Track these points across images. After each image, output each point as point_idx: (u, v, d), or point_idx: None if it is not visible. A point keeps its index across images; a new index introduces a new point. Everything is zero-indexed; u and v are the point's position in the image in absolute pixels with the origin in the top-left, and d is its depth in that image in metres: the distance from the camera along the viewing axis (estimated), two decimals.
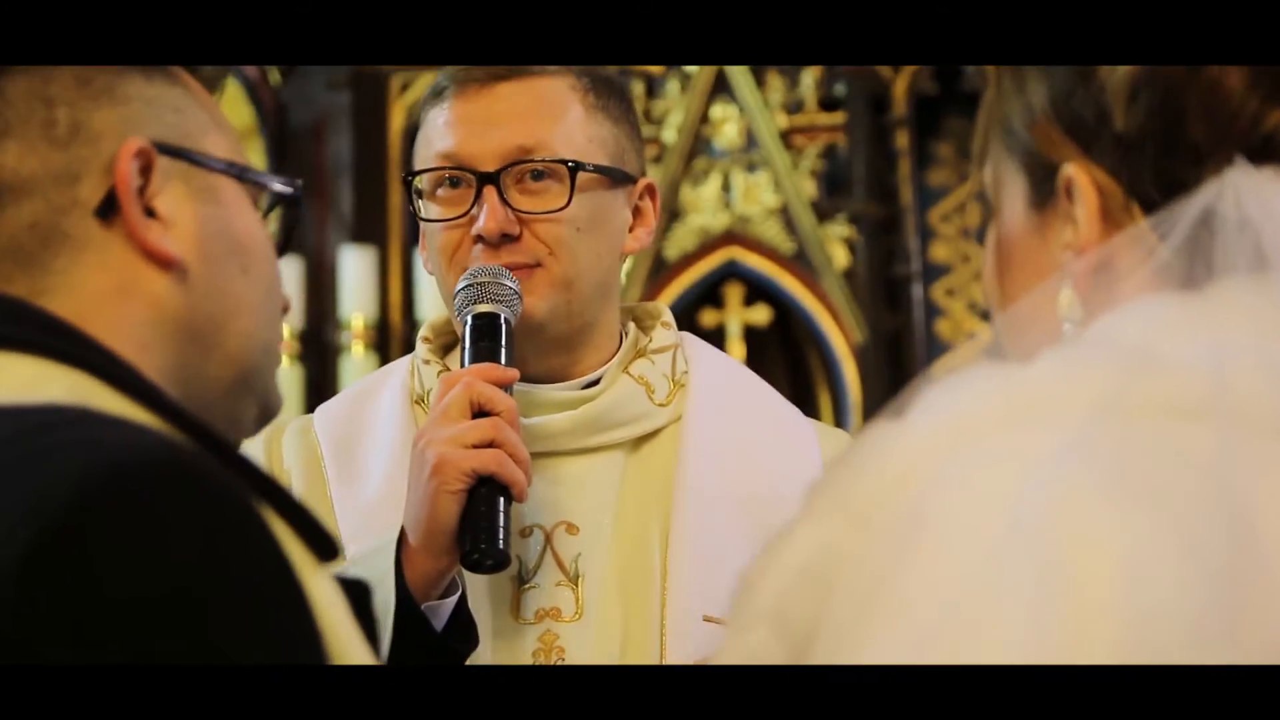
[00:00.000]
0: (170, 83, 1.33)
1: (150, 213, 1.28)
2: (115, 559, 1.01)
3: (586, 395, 2.07)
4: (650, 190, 2.14)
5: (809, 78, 6.27)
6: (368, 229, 6.30)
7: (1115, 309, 1.16)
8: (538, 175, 2.02)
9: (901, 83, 6.29)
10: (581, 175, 2.03)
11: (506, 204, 2.00)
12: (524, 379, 2.02)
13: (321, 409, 2.18)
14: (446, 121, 2.04)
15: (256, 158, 6.28)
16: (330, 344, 6.18)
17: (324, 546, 1.20)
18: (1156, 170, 1.19)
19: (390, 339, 6.13)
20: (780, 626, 1.09)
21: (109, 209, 1.26)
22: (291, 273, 6.13)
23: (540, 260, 2.01)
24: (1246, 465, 1.02)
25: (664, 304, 2.27)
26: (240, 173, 1.35)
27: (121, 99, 1.29)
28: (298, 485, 2.06)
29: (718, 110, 6.21)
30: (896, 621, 1.00)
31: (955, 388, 1.11)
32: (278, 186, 1.39)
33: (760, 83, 6.22)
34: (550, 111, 2.04)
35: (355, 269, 6.18)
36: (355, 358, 6.05)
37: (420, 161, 2.07)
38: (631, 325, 2.18)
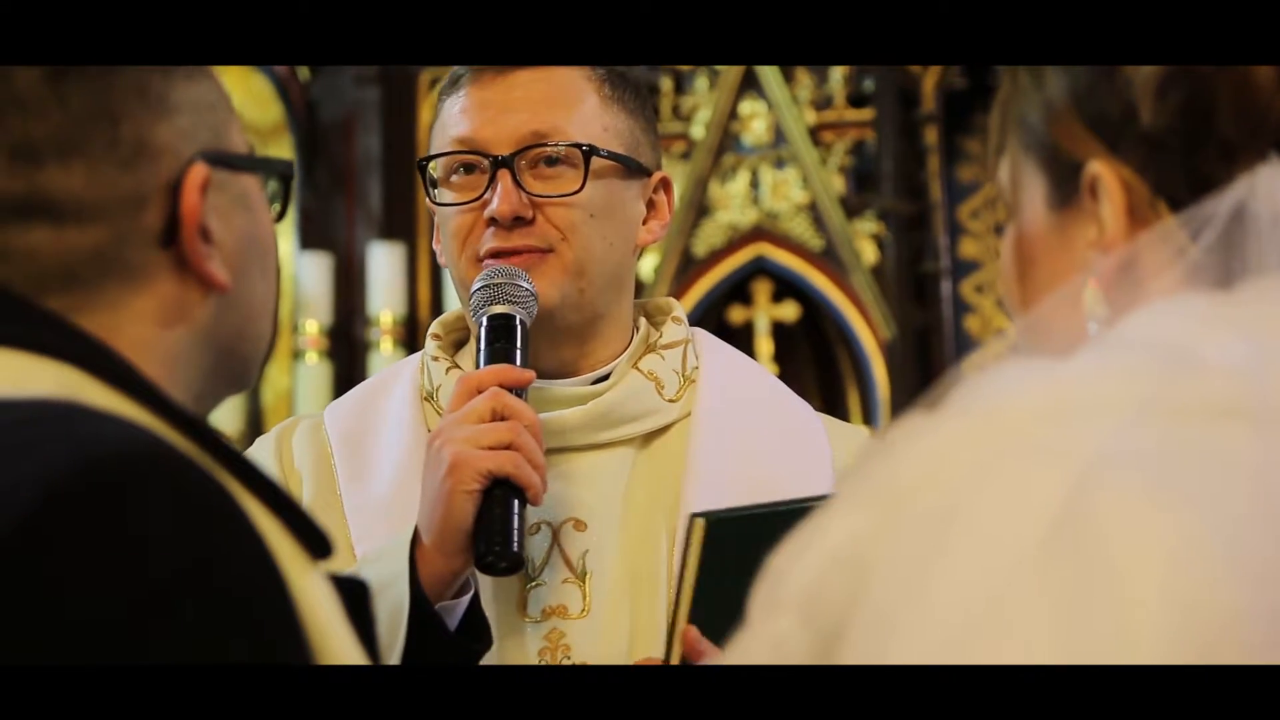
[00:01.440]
0: (201, 75, 1.29)
1: (205, 235, 1.25)
2: (82, 554, 1.00)
3: (596, 390, 2.06)
4: (665, 184, 2.13)
5: (838, 74, 6.25)
6: (397, 225, 6.31)
7: (1145, 307, 1.15)
8: (551, 161, 2.02)
9: (930, 78, 6.27)
10: (596, 161, 2.02)
11: (520, 187, 1.99)
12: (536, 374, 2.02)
13: (331, 407, 2.17)
14: (462, 108, 2.04)
15: (285, 154, 6.29)
16: (359, 340, 6.19)
17: (317, 544, 1.19)
18: (1185, 167, 1.18)
19: (419, 335, 6.13)
20: (808, 615, 1.08)
21: (171, 236, 1.23)
22: (321, 269, 6.14)
23: (553, 245, 2.01)
24: None
25: (675, 299, 2.26)
26: (256, 165, 1.32)
27: (174, 108, 1.25)
28: (308, 485, 2.05)
29: (746, 106, 6.20)
30: (934, 612, 1.00)
31: (992, 382, 1.11)
32: (280, 169, 1.36)
33: (789, 79, 6.21)
34: (566, 98, 2.04)
35: (384, 265, 6.19)
36: (384, 354, 6.06)
37: (435, 148, 2.08)
38: (643, 320, 2.17)
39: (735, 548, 1.79)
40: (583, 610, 1.98)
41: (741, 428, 2.10)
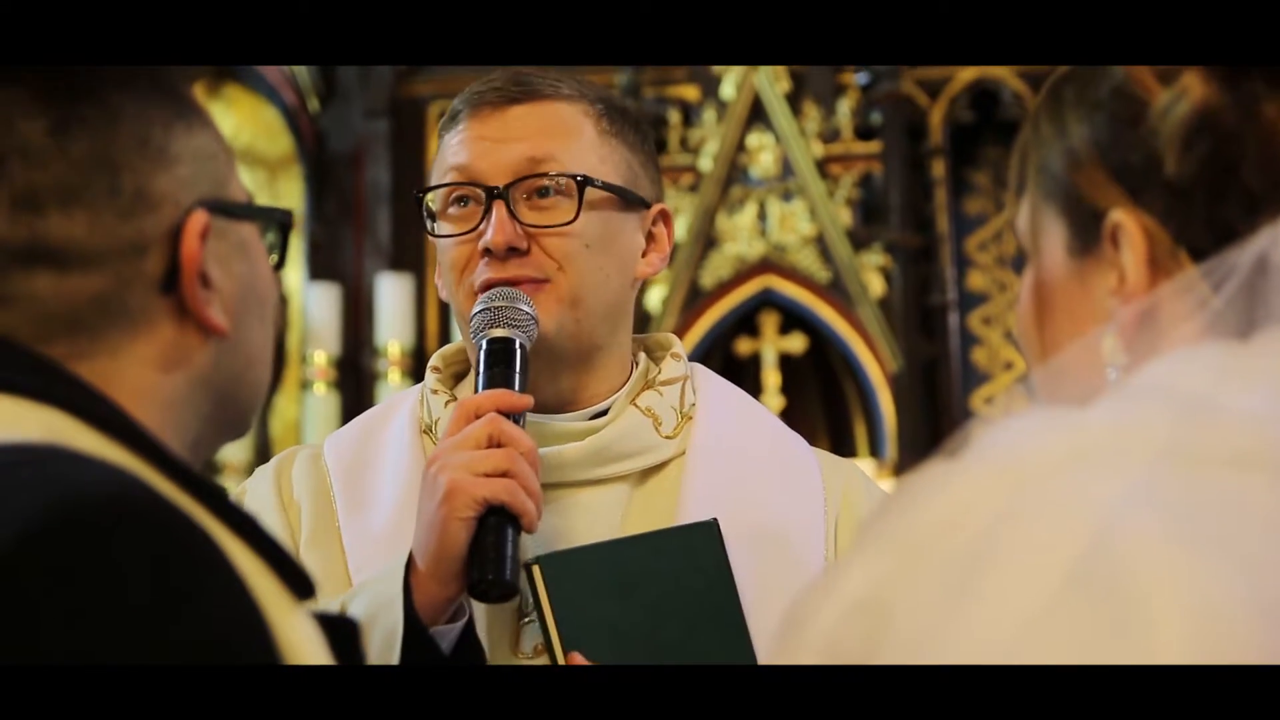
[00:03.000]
0: (202, 127, 1.31)
1: (205, 281, 1.26)
2: (55, 596, 1.00)
3: (593, 426, 2.06)
4: (665, 216, 2.13)
5: (845, 106, 6.27)
6: (405, 256, 6.33)
7: (1165, 356, 1.15)
8: (546, 191, 2.02)
9: (938, 111, 6.29)
10: (591, 192, 2.02)
11: (514, 218, 2.00)
12: (536, 411, 2.02)
13: (331, 438, 2.17)
14: (460, 141, 2.05)
15: (294, 185, 6.31)
16: (367, 371, 6.20)
17: (300, 585, 1.19)
18: (1208, 217, 1.17)
19: (426, 366, 6.14)
20: (829, 659, 1.08)
21: (171, 283, 1.25)
22: (329, 300, 6.16)
23: (549, 275, 2.01)
24: None
25: (675, 335, 2.24)
26: (255, 213, 1.34)
27: (174, 158, 1.27)
28: (307, 515, 2.06)
29: (754, 139, 6.22)
30: (959, 657, 1.00)
31: (1012, 430, 1.11)
32: (278, 217, 1.37)
33: (796, 111, 6.23)
34: (562, 129, 2.04)
35: (392, 296, 6.21)
36: (391, 384, 6.07)
37: (433, 181, 2.08)
38: (643, 355, 2.18)
39: (575, 579, 1.87)
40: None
41: (736, 466, 2.10)
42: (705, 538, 1.93)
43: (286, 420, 6.20)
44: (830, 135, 6.26)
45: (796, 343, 6.22)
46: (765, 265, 6.16)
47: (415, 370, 6.10)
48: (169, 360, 1.25)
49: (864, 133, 6.28)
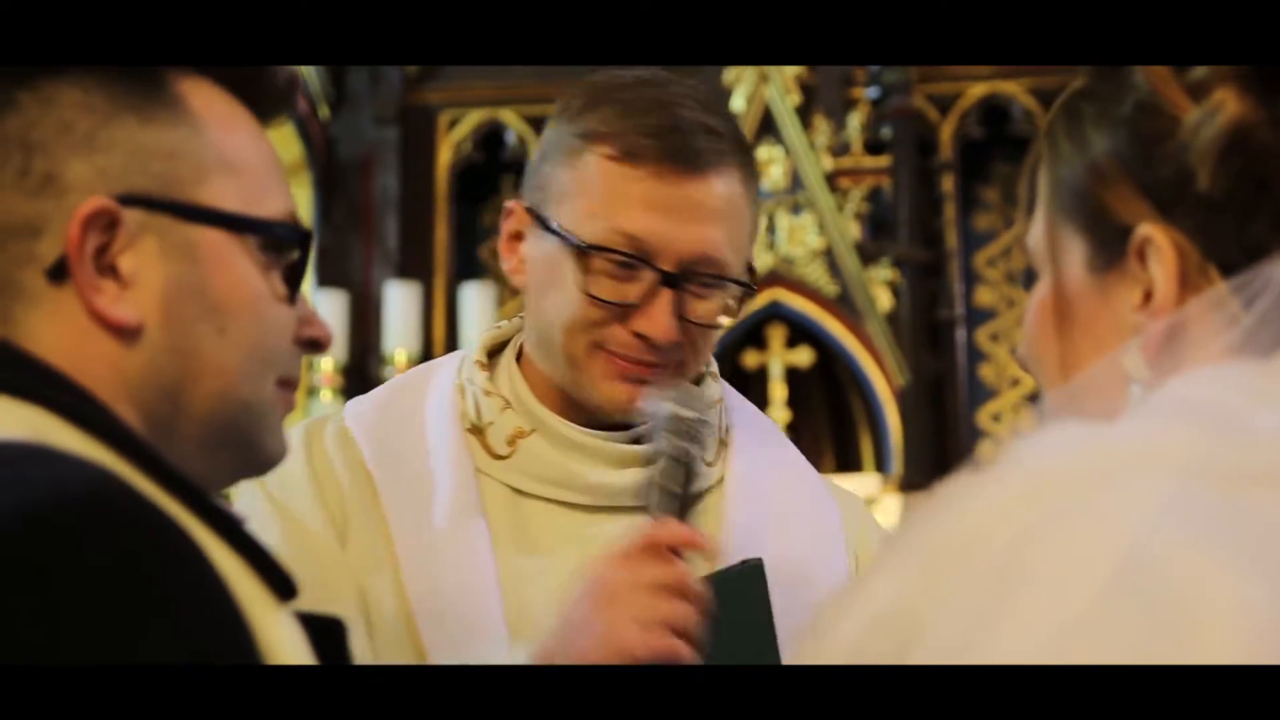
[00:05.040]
0: (172, 124, 1.28)
1: (112, 271, 1.23)
2: (28, 596, 0.99)
3: (644, 452, 2.00)
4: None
5: (855, 120, 6.27)
6: (413, 264, 6.33)
7: (1191, 373, 1.15)
8: (708, 282, 1.96)
9: (948, 127, 6.29)
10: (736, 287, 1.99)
11: (678, 310, 1.94)
12: (577, 422, 2.00)
13: (355, 416, 2.08)
14: (635, 198, 1.95)
15: (304, 192, 6.31)
16: (373, 378, 6.19)
17: (282, 586, 1.18)
18: (1239, 234, 1.17)
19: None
20: None
21: (61, 270, 1.23)
22: (336, 306, 6.16)
23: (683, 360, 1.98)
24: None
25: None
26: (229, 223, 1.29)
27: (103, 146, 1.24)
28: (351, 502, 2.00)
29: (763, 151, 6.22)
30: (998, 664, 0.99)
31: (1042, 443, 1.10)
32: (280, 230, 1.33)
33: (806, 124, 6.23)
34: (732, 217, 1.97)
35: (400, 304, 6.21)
36: None
37: (589, 225, 1.96)
38: None
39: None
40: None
41: (770, 498, 2.07)
42: (754, 577, 1.91)
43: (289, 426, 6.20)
44: (840, 149, 6.27)
45: (803, 356, 6.22)
46: (773, 278, 6.15)
47: None
48: (81, 350, 1.22)
49: (874, 147, 6.28)
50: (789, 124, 6.20)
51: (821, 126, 6.26)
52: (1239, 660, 0.94)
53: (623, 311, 1.94)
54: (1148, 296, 1.19)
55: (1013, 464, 1.10)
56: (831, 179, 6.21)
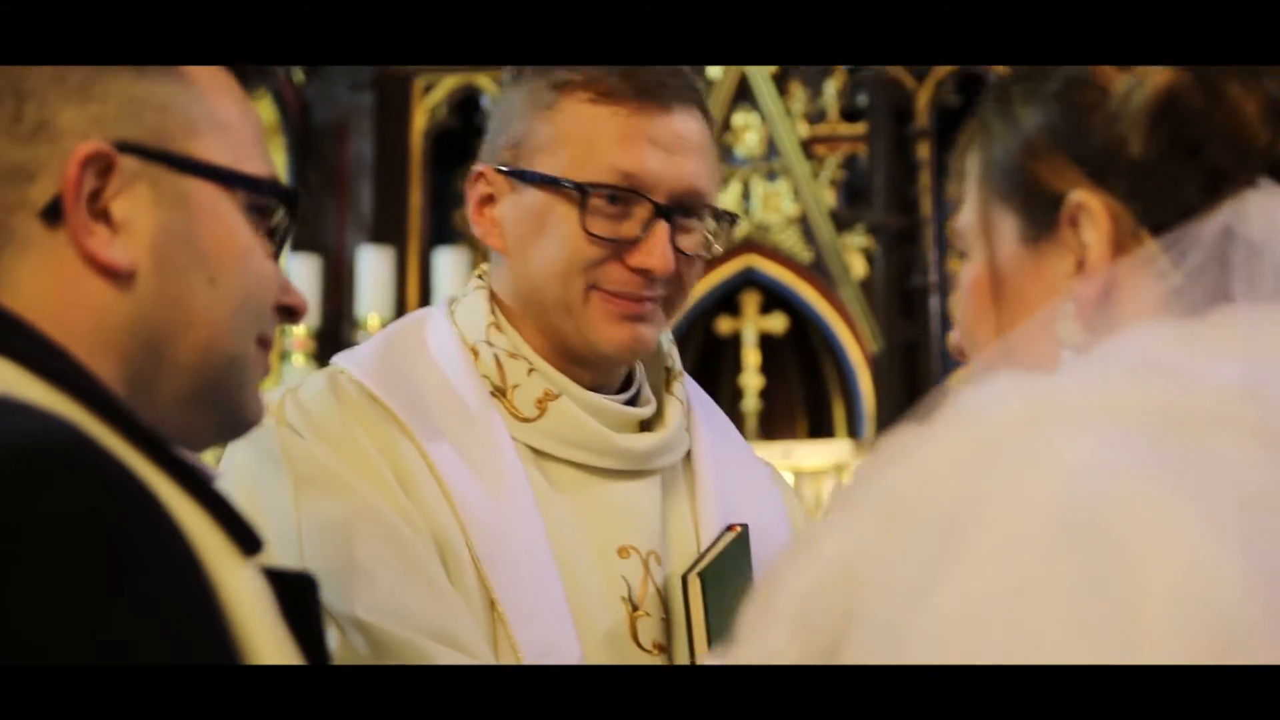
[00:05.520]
0: (164, 79, 1.28)
1: (105, 216, 1.24)
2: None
3: (647, 414, 2.06)
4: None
5: (831, 87, 6.27)
6: (387, 229, 6.32)
7: (1128, 331, 1.16)
8: (692, 214, 2.00)
9: (924, 94, 6.29)
10: (713, 217, 2.04)
11: (673, 242, 1.97)
12: (584, 384, 2.01)
13: (369, 374, 2.03)
14: (626, 135, 1.98)
15: (278, 156, 6.29)
16: (347, 343, 6.16)
17: (247, 540, 1.18)
18: (1171, 197, 1.18)
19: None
20: (802, 628, 1.08)
21: (55, 212, 1.23)
22: (309, 271, 6.14)
23: (671, 293, 2.01)
24: None
25: None
26: (221, 177, 1.30)
27: (97, 96, 1.25)
28: (407, 463, 1.98)
29: (739, 118, 6.21)
30: (942, 618, 1.00)
31: (982, 394, 1.11)
32: (267, 189, 1.33)
33: (783, 91, 6.22)
34: (706, 151, 2.02)
35: (373, 269, 6.19)
36: None
37: (589, 167, 1.98)
38: None
39: (716, 589, 1.87)
40: (672, 651, 1.97)
41: (729, 468, 2.11)
42: (744, 542, 1.97)
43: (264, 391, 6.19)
44: (816, 116, 6.26)
45: (777, 322, 6.23)
46: (748, 244, 6.16)
47: None
48: (68, 296, 1.22)
49: (850, 114, 6.28)
50: (765, 91, 6.19)
51: (798, 93, 6.25)
52: (1175, 600, 0.95)
53: (620, 248, 1.96)
54: (1081, 264, 1.21)
55: (956, 415, 1.11)
56: (807, 146, 6.21)
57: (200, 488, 1.16)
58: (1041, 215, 1.23)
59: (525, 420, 2.01)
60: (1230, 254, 1.15)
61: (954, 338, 1.34)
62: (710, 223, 2.01)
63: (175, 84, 1.29)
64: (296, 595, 1.21)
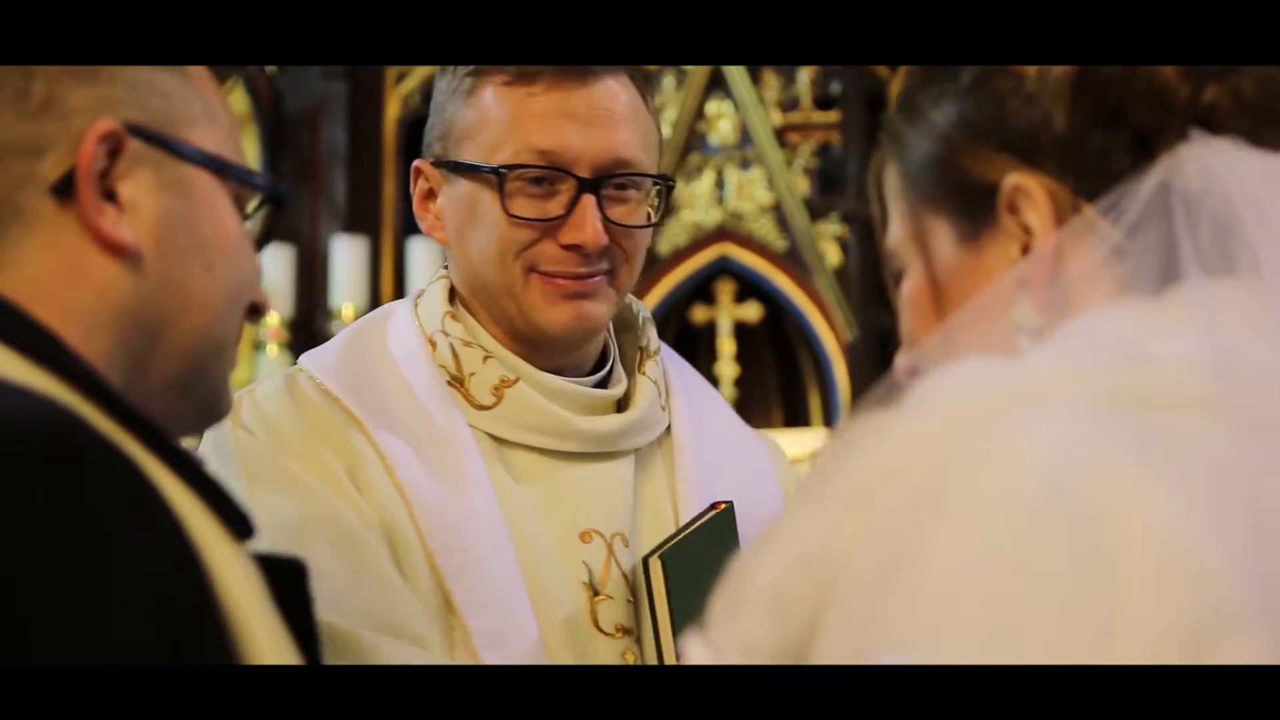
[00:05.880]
0: (166, 68, 1.30)
1: (111, 196, 1.24)
2: None
3: (613, 397, 2.05)
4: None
5: (805, 75, 6.27)
6: (360, 219, 6.30)
7: (1089, 313, 1.16)
8: (625, 186, 1.99)
9: (898, 82, 6.28)
10: (652, 185, 2.02)
11: (602, 213, 1.96)
12: (544, 368, 2.00)
13: (328, 373, 2.02)
14: (538, 113, 1.96)
15: (250, 145, 6.27)
16: (320, 333, 6.17)
17: (239, 524, 1.17)
18: (1104, 167, 1.18)
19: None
20: (776, 613, 1.08)
21: (66, 188, 1.23)
22: (283, 261, 6.13)
23: (615, 269, 1.99)
24: (1256, 456, 1.03)
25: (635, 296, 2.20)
26: (219, 167, 1.31)
27: (105, 78, 1.25)
28: (353, 451, 1.97)
29: (713, 106, 6.21)
30: (918, 601, 1.00)
31: (949, 378, 1.11)
32: (260, 183, 1.35)
33: (756, 80, 6.22)
34: (634, 115, 2.00)
35: (347, 258, 6.18)
36: None
37: (499, 151, 1.97)
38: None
39: (685, 570, 1.86)
40: (639, 633, 1.97)
41: (713, 445, 2.10)
42: (729, 518, 1.96)
43: (239, 381, 6.12)
44: (789, 104, 6.26)
45: (752, 311, 6.23)
46: (722, 233, 6.16)
47: None
48: (71, 273, 1.22)
49: (823, 102, 6.28)
50: (738, 79, 6.19)
51: (771, 81, 6.25)
52: (1157, 576, 0.96)
53: (549, 226, 1.95)
54: (1025, 248, 1.21)
55: (921, 400, 1.11)
56: (781, 134, 6.21)
57: (192, 471, 1.16)
58: (977, 209, 1.23)
59: (483, 408, 2.00)
60: (1171, 207, 1.15)
61: (902, 361, 1.33)
62: (649, 191, 1.99)
63: (175, 74, 1.30)
64: (287, 581, 1.21)
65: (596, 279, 1.97)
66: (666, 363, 2.13)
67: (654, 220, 2.02)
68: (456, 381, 2.01)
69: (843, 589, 1.05)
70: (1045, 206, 1.19)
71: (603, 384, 2.06)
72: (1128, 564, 0.96)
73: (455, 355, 2.02)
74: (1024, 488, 1.00)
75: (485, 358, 2.01)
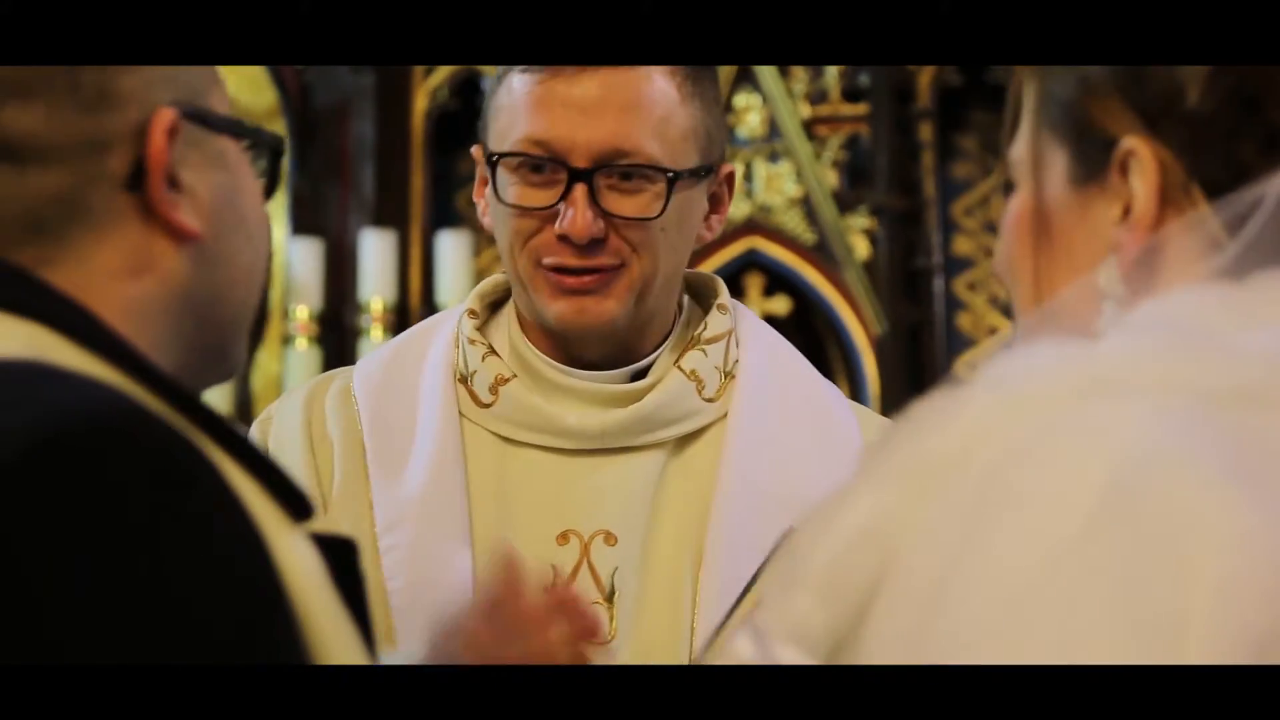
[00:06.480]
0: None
1: (173, 183, 1.23)
2: (49, 525, 0.98)
3: (636, 390, 2.00)
4: (730, 177, 2.06)
5: (833, 69, 6.24)
6: (389, 212, 6.29)
7: (1170, 293, 1.14)
8: (629, 175, 1.94)
9: (926, 75, 6.26)
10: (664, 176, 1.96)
11: (595, 204, 1.92)
12: (574, 365, 1.98)
13: (362, 370, 2.08)
14: (538, 100, 1.94)
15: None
16: (349, 326, 6.17)
17: (298, 505, 1.17)
18: (1226, 154, 1.16)
19: (409, 322, 6.09)
20: (829, 593, 1.06)
21: (137, 181, 1.21)
22: (312, 255, 6.13)
23: (624, 261, 1.95)
24: None
25: (720, 280, 2.16)
26: (241, 130, 1.30)
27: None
28: (339, 462, 1.99)
29: (741, 99, 6.19)
30: (977, 588, 0.98)
31: (1022, 360, 1.10)
32: (267, 138, 1.34)
33: (784, 72, 6.20)
34: (648, 103, 1.94)
35: (375, 252, 6.17)
36: (374, 340, 6.04)
37: (505, 139, 1.96)
38: (686, 300, 2.10)
39: None
40: (609, 635, 1.93)
41: (777, 431, 2.03)
42: None
43: (268, 375, 6.18)
44: (817, 97, 6.24)
45: (781, 304, 6.21)
46: (750, 226, 6.14)
47: (398, 326, 6.06)
48: (138, 266, 1.22)
49: (851, 95, 6.25)
50: (766, 72, 6.17)
51: (799, 74, 6.23)
52: (1229, 588, 0.94)
53: (547, 217, 1.93)
54: (1127, 211, 1.19)
55: (991, 383, 1.09)
56: (809, 127, 6.19)
57: (249, 453, 1.15)
58: (1092, 158, 1.21)
59: (485, 406, 1.99)
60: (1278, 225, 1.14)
61: (995, 264, 1.32)
62: (662, 181, 1.94)
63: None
64: (341, 559, 1.21)
65: (600, 274, 1.93)
66: (746, 344, 2.07)
67: (664, 212, 1.95)
68: (464, 379, 2.00)
69: (899, 574, 1.03)
70: (1154, 177, 1.18)
71: (643, 374, 2.03)
72: (1198, 573, 0.94)
73: (464, 353, 2.01)
74: (1093, 485, 0.98)
75: (486, 355, 2.00)
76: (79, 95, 1.20)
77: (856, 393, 6.12)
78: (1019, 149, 1.29)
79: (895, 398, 5.92)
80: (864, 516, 1.06)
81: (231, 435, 1.16)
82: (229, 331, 1.31)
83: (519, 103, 1.95)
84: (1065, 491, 0.98)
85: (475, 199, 2.04)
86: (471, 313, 2.05)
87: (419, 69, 6.40)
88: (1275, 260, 1.11)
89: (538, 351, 1.99)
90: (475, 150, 2.04)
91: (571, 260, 1.92)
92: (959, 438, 1.05)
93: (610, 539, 1.95)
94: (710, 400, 2.02)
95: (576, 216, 1.91)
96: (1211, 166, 1.16)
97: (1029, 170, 1.27)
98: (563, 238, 1.91)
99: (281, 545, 1.10)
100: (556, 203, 1.92)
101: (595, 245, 1.92)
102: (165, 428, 1.07)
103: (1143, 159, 1.18)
